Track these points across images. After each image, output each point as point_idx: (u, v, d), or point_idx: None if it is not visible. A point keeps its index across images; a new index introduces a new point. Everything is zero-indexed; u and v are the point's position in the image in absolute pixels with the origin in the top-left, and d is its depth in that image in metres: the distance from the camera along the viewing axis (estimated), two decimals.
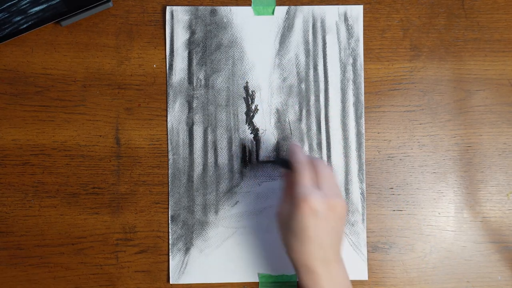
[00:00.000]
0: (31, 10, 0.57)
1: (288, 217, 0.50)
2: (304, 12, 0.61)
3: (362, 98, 0.61)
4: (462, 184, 0.61)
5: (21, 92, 0.60)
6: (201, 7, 0.60)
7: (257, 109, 0.61)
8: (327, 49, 0.61)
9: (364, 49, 0.61)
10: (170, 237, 0.60)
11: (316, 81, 0.61)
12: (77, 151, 0.60)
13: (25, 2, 0.57)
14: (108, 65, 0.60)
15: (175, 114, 0.60)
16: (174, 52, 0.60)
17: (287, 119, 0.61)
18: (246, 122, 0.61)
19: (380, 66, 0.61)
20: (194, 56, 0.60)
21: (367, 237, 0.60)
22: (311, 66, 0.61)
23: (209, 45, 0.60)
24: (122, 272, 0.60)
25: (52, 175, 0.59)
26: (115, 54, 0.60)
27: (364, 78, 0.61)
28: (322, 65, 0.61)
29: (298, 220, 0.49)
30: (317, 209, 0.49)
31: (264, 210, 0.60)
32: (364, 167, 0.60)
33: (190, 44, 0.60)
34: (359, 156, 0.60)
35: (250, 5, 0.61)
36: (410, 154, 0.61)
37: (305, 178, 0.51)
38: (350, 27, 0.61)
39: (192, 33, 0.60)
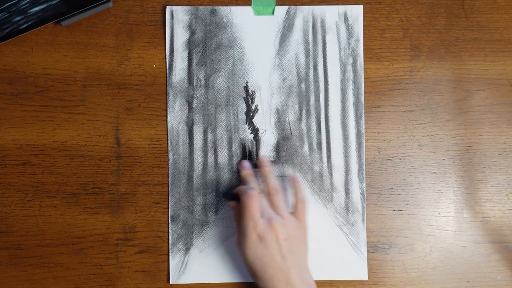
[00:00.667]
0: (31, 10, 0.57)
1: (244, 248, 0.53)
2: (304, 12, 0.61)
3: (362, 98, 0.61)
4: (462, 184, 0.61)
5: (21, 92, 0.60)
6: (201, 7, 0.60)
7: (257, 109, 0.61)
8: (327, 49, 0.61)
9: (364, 49, 0.61)
10: (170, 237, 0.60)
11: (316, 81, 0.61)
12: (77, 151, 0.60)
13: (25, 2, 0.57)
14: (108, 65, 0.60)
15: (175, 114, 0.60)
16: (174, 52, 0.60)
17: (287, 119, 0.61)
18: (246, 122, 0.60)
19: (380, 66, 0.61)
20: (194, 56, 0.60)
21: (367, 237, 0.60)
22: (311, 66, 0.61)
23: (209, 45, 0.60)
24: (122, 272, 0.60)
25: (52, 175, 0.59)
26: (115, 54, 0.60)
27: (364, 78, 0.61)
28: (322, 65, 0.61)
29: (250, 249, 0.53)
30: (262, 235, 0.52)
31: None
32: (364, 167, 0.60)
33: (190, 44, 0.60)
34: (359, 156, 0.60)
35: (250, 5, 0.61)
36: (410, 154, 0.61)
37: (249, 209, 0.53)
38: (350, 27, 0.61)
39: (192, 33, 0.60)
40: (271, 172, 0.58)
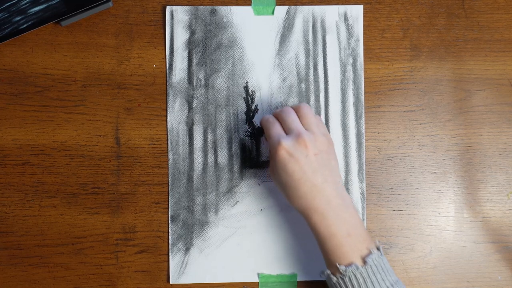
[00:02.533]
0: (31, 10, 0.57)
1: (275, 170, 0.52)
2: (304, 12, 0.61)
3: (362, 98, 0.61)
4: (462, 184, 0.61)
5: (21, 92, 0.60)
6: (201, 7, 0.60)
7: (257, 109, 0.60)
8: (327, 49, 0.61)
9: (364, 49, 0.61)
10: (170, 237, 0.60)
11: (316, 81, 0.61)
12: (77, 151, 0.60)
13: (25, 2, 0.57)
14: (108, 65, 0.60)
15: (175, 114, 0.60)
16: (174, 52, 0.60)
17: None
18: (246, 122, 0.60)
19: (380, 66, 0.61)
20: (194, 56, 0.60)
21: None
22: (311, 66, 0.61)
23: (209, 45, 0.60)
24: (122, 272, 0.60)
25: (52, 175, 0.59)
26: (115, 54, 0.60)
27: (364, 78, 0.61)
28: (322, 65, 0.61)
29: (281, 168, 0.51)
30: (292, 151, 0.51)
31: (264, 210, 0.60)
32: (364, 167, 0.60)
33: (190, 44, 0.60)
34: (359, 156, 0.60)
35: (250, 5, 0.61)
36: (410, 154, 0.61)
37: (271, 130, 0.53)
38: (350, 27, 0.61)
39: (192, 33, 0.60)
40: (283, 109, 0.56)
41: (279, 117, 0.55)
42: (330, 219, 0.50)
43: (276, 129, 0.53)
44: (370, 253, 0.50)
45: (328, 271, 0.52)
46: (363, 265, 0.50)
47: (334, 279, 0.51)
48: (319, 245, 0.52)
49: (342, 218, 0.51)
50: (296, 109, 0.55)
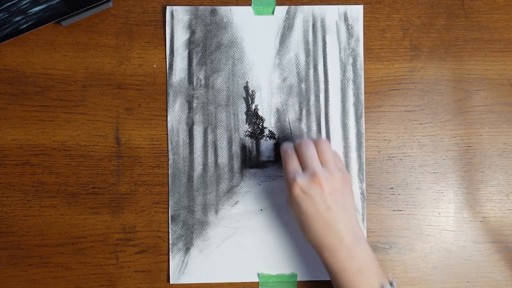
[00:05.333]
0: (31, 10, 0.57)
1: (290, 205, 0.54)
2: (304, 12, 0.61)
3: (362, 98, 0.61)
4: (462, 184, 0.61)
5: (21, 92, 0.60)
6: (201, 7, 0.60)
7: (257, 109, 0.61)
8: (327, 49, 0.61)
9: (364, 49, 0.61)
10: (170, 237, 0.60)
11: (316, 81, 0.61)
12: (77, 151, 0.60)
13: (25, 2, 0.57)
14: (108, 65, 0.60)
15: (175, 114, 0.60)
16: (174, 52, 0.60)
17: (287, 119, 0.61)
18: (246, 122, 0.60)
19: (380, 66, 0.61)
20: (194, 56, 0.60)
21: (367, 237, 0.60)
22: (311, 66, 0.61)
23: (209, 45, 0.60)
24: (122, 272, 0.60)
25: (52, 175, 0.59)
26: (115, 54, 0.60)
27: (364, 78, 0.61)
28: (322, 65, 0.61)
29: (295, 204, 0.52)
30: (306, 190, 0.51)
31: (264, 210, 0.60)
32: (364, 167, 0.60)
33: (190, 44, 0.60)
34: (359, 156, 0.60)
35: (250, 5, 0.61)
36: (410, 154, 0.61)
37: (289, 165, 0.53)
38: (350, 27, 0.61)
39: (192, 33, 0.60)
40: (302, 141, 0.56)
41: (298, 150, 0.54)
42: (340, 256, 0.51)
43: (293, 164, 0.53)
44: None
45: None
46: None
47: None
48: (332, 280, 0.53)
49: (353, 254, 0.51)
50: (315, 143, 0.54)
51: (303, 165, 0.53)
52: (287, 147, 0.55)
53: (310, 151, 0.53)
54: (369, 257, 0.52)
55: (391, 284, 0.51)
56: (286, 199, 0.56)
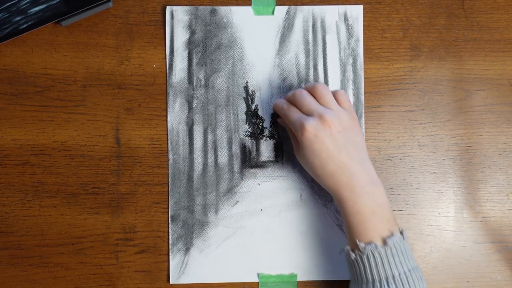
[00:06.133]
0: (31, 10, 0.57)
1: (302, 152, 0.53)
2: (304, 12, 0.61)
3: (362, 98, 0.61)
4: (462, 184, 0.61)
5: (21, 92, 0.60)
6: (201, 7, 0.60)
7: (257, 109, 0.61)
8: (327, 49, 0.61)
9: (364, 49, 0.61)
10: (170, 237, 0.60)
11: (316, 81, 0.61)
12: (77, 151, 0.60)
13: (25, 2, 0.57)
14: (108, 65, 0.60)
15: (175, 114, 0.60)
16: (174, 52, 0.60)
17: None
18: (246, 122, 0.60)
19: (380, 66, 0.61)
20: (194, 56, 0.60)
21: None
22: (311, 66, 0.61)
23: (209, 45, 0.60)
24: (122, 272, 0.60)
25: (52, 175, 0.59)
26: (115, 54, 0.60)
27: (364, 78, 0.61)
28: (322, 65, 0.61)
29: (308, 150, 0.52)
30: (316, 132, 0.51)
31: (264, 210, 0.60)
32: None
33: (190, 44, 0.60)
34: None
35: (250, 5, 0.61)
36: (410, 154, 0.61)
37: (291, 115, 0.53)
38: (350, 27, 0.61)
39: (192, 33, 0.60)
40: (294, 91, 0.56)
41: (293, 102, 0.55)
42: (357, 195, 0.51)
43: (295, 113, 0.54)
44: (391, 235, 0.50)
45: (348, 247, 0.52)
46: (383, 245, 0.50)
47: (353, 255, 0.51)
48: (344, 222, 0.52)
49: (369, 194, 0.51)
50: (311, 90, 0.54)
51: (306, 113, 0.53)
52: (281, 103, 0.55)
53: (308, 99, 0.53)
54: (383, 201, 0.51)
55: (401, 233, 0.51)
56: (294, 149, 0.56)
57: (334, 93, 0.55)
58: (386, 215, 0.51)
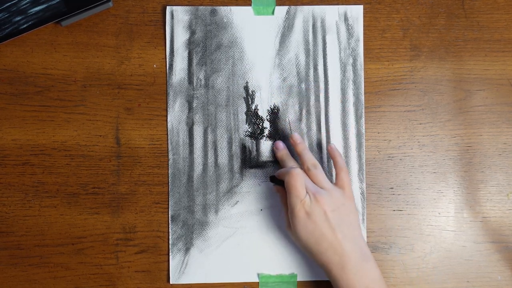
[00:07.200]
0: (31, 10, 0.57)
1: (294, 229, 0.54)
2: (304, 12, 0.61)
3: (362, 98, 0.61)
4: (462, 184, 0.61)
5: (21, 92, 0.60)
6: (201, 7, 0.60)
7: (257, 109, 0.61)
8: (327, 49, 0.61)
9: (364, 49, 0.61)
10: (170, 237, 0.60)
11: (316, 81, 0.61)
12: (77, 151, 0.60)
13: (25, 2, 0.57)
14: (108, 65, 0.60)
15: (175, 114, 0.60)
16: (174, 52, 0.60)
17: (287, 119, 0.61)
18: (246, 122, 0.61)
19: (380, 66, 0.61)
20: (194, 56, 0.60)
21: (367, 237, 0.60)
22: (311, 66, 0.61)
23: (209, 45, 0.60)
24: (122, 272, 0.60)
25: (52, 175, 0.59)
26: (115, 54, 0.60)
27: (364, 78, 0.61)
28: (322, 65, 0.61)
29: (301, 227, 0.53)
30: (309, 211, 0.52)
31: (264, 210, 0.60)
32: (364, 167, 0.60)
33: (190, 44, 0.60)
34: (359, 156, 0.60)
35: (250, 5, 0.61)
36: (410, 154, 0.61)
37: (295, 188, 0.53)
38: (350, 27, 0.61)
39: (192, 33, 0.60)
40: (305, 148, 0.57)
41: (288, 182, 0.55)
42: (349, 273, 0.51)
43: (299, 187, 0.54)
44: None
45: None
46: None
47: None
48: None
49: (362, 272, 0.52)
50: (306, 172, 0.55)
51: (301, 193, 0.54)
52: (289, 168, 0.55)
53: (300, 181, 0.54)
54: (377, 276, 0.52)
55: None
56: (286, 226, 0.57)
57: (336, 168, 0.56)
58: None
